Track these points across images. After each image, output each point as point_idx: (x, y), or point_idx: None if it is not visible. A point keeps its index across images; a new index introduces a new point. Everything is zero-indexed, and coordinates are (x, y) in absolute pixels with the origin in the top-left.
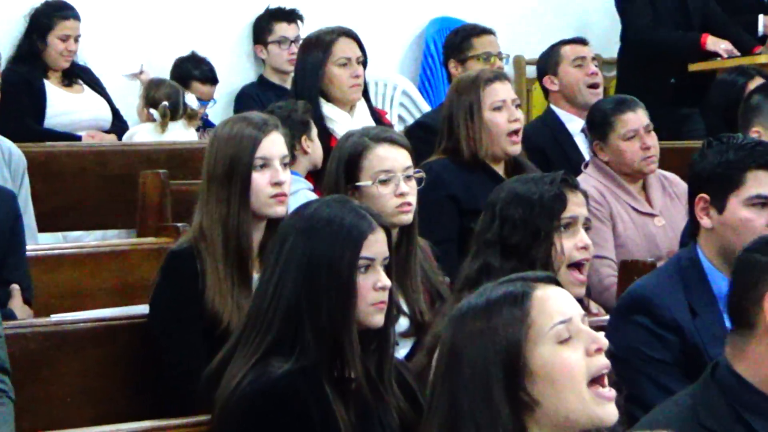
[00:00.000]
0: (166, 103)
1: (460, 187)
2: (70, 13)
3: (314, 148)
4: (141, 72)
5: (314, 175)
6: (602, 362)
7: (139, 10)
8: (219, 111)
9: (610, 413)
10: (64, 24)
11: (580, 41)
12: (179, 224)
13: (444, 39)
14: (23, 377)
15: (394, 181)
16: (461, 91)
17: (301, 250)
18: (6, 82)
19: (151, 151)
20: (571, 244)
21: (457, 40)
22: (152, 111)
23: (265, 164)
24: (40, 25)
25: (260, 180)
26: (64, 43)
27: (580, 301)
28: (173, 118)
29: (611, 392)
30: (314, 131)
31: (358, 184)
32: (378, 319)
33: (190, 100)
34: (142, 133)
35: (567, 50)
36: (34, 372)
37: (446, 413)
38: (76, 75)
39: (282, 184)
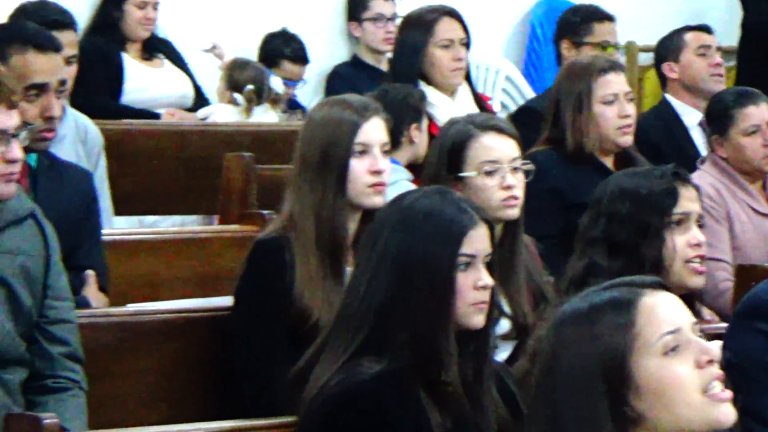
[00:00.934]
0: (251, 87)
1: (564, 180)
2: None
3: (421, 139)
4: (214, 47)
5: (412, 168)
6: (714, 373)
7: None
8: (309, 92)
9: (728, 413)
10: None
11: (705, 29)
12: (265, 211)
13: (553, 21)
14: (95, 370)
15: (500, 172)
16: (572, 79)
17: (395, 245)
18: (82, 54)
19: (236, 133)
20: (683, 241)
21: (576, 21)
22: (236, 95)
23: (364, 151)
24: None
25: (358, 167)
26: (141, 11)
27: (692, 305)
28: (257, 102)
29: (726, 392)
30: (425, 122)
31: (461, 174)
32: (478, 320)
33: (276, 83)
34: (221, 114)
35: (690, 37)
36: (106, 365)
37: (545, 425)
38: (157, 48)
39: (381, 173)
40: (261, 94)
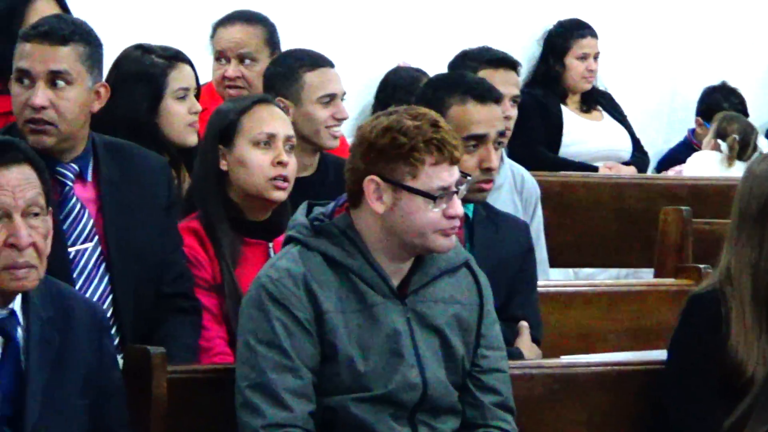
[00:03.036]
0: (736, 136)
1: None
2: (587, 32)
3: None
4: None
5: None
6: None
7: (668, 33)
8: None
9: None
10: (581, 43)
11: None
12: (701, 266)
13: None
14: (527, 421)
15: None
16: None
17: None
18: (522, 106)
19: (673, 186)
20: None
21: None
22: (720, 141)
23: None
24: (556, 47)
25: None
26: (583, 63)
27: None
28: (741, 156)
29: None
30: None
31: None
32: None
33: (763, 143)
34: (701, 159)
35: None
36: (538, 416)
37: None
38: (596, 101)
39: None
40: (746, 147)
